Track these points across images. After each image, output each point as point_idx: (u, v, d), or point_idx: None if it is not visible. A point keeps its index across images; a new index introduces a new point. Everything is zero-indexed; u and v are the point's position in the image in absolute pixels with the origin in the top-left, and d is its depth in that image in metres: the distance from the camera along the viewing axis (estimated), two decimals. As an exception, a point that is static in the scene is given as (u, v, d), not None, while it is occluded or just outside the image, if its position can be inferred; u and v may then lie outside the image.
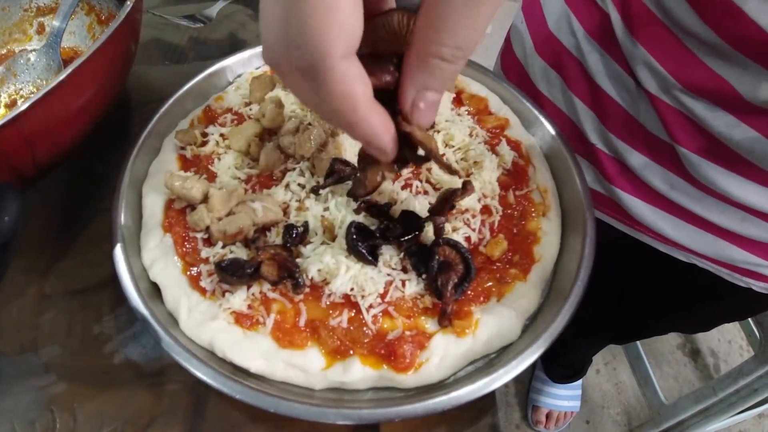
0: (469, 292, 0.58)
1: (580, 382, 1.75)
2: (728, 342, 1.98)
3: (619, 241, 0.89)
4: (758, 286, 0.81)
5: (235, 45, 1.01)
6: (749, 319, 1.46)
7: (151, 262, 0.60)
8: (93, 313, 0.69)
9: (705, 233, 0.75)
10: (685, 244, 0.78)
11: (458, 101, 0.77)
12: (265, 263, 0.54)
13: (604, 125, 0.76)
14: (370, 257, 0.55)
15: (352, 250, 0.55)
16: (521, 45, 0.91)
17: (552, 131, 0.73)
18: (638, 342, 1.79)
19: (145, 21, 1.01)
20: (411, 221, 0.57)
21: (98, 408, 0.62)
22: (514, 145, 0.72)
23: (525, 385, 1.80)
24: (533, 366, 1.81)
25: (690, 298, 0.98)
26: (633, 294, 1.10)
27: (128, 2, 0.69)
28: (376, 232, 0.56)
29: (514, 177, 0.69)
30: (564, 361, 1.67)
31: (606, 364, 1.88)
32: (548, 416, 1.71)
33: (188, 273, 0.58)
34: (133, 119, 0.90)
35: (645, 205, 0.77)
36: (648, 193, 0.76)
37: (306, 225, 0.59)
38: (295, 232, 0.57)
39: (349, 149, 0.65)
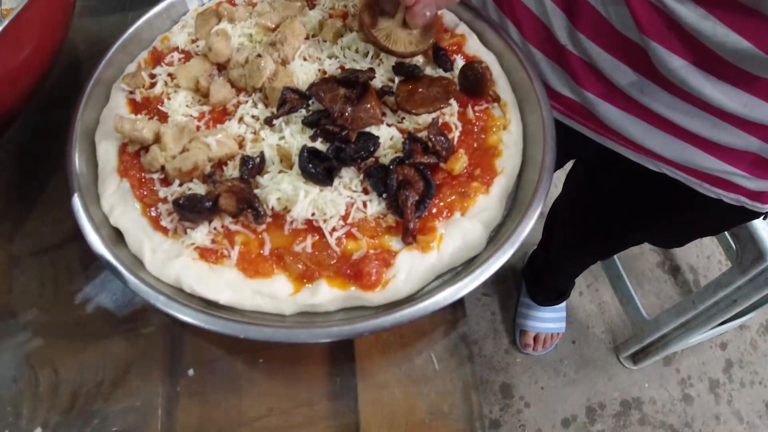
0: (432, 209, 0.58)
1: (564, 304, 1.79)
2: (707, 257, 2.02)
3: (593, 155, 0.89)
4: (729, 197, 0.81)
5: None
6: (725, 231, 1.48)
7: (111, 207, 0.60)
8: (63, 270, 0.69)
9: (675, 139, 0.75)
10: (655, 149, 0.77)
11: (412, 22, 0.75)
12: (222, 196, 0.54)
13: (573, 24, 0.74)
14: (324, 177, 0.54)
15: (304, 172, 0.54)
16: None
17: (511, 44, 0.72)
18: (618, 262, 1.82)
19: (87, -29, 0.97)
20: (364, 141, 0.57)
21: (77, 360, 0.62)
22: (472, 61, 0.71)
23: (511, 313, 1.84)
24: (518, 293, 1.84)
25: (662, 210, 0.99)
26: (608, 206, 1.11)
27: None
28: (329, 154, 0.55)
29: (473, 92, 0.68)
30: (548, 284, 1.70)
31: (588, 285, 1.92)
32: (535, 339, 1.76)
33: (148, 214, 0.58)
34: (83, 72, 0.87)
35: (615, 110, 0.76)
36: (618, 96, 0.75)
37: (262, 155, 0.58)
38: (251, 163, 0.56)
39: (301, 77, 0.64)
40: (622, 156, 0.83)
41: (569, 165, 1.29)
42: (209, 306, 0.54)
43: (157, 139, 0.59)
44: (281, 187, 0.55)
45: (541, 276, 1.70)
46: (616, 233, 1.20)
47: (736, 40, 0.59)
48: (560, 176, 1.40)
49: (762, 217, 1.23)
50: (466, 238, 0.57)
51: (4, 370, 0.62)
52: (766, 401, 1.80)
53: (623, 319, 1.85)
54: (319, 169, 0.55)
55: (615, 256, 1.81)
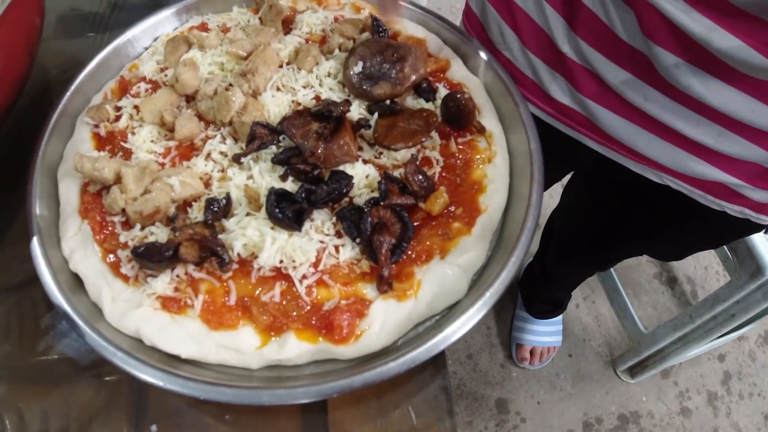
0: (409, 252, 0.55)
1: (560, 317, 1.76)
2: (704, 268, 1.99)
3: (593, 165, 0.86)
4: (733, 209, 0.78)
5: (157, 5, 0.93)
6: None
7: (71, 251, 0.57)
8: (29, 309, 0.66)
9: (678, 149, 0.72)
10: (658, 160, 0.75)
11: (394, 46, 0.72)
12: (183, 245, 0.50)
13: (573, 30, 0.71)
14: (292, 222, 0.51)
15: (271, 217, 0.51)
16: None
17: (498, 70, 0.68)
18: (615, 274, 1.79)
19: (60, -8, 0.94)
20: (336, 182, 0.53)
21: (42, 406, 0.60)
22: (456, 88, 0.67)
23: (507, 326, 1.81)
24: (514, 305, 1.81)
25: (663, 222, 0.96)
26: (606, 218, 1.08)
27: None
28: (299, 197, 0.52)
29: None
30: (544, 297, 1.67)
31: (585, 298, 1.89)
32: (532, 353, 1.73)
33: (108, 260, 0.55)
34: (54, 98, 0.84)
35: (618, 119, 0.74)
36: (621, 105, 0.72)
37: (228, 197, 0.54)
38: (216, 205, 0.53)
39: (273, 109, 0.60)
40: (623, 166, 0.81)
41: (567, 176, 1.26)
42: (171, 359, 0.51)
43: (119, 178, 0.56)
44: (247, 233, 0.51)
45: (537, 288, 1.67)
46: (614, 245, 1.18)
47: (745, 49, 0.57)
48: (558, 187, 1.37)
49: (764, 231, 1.21)
50: (444, 285, 0.53)
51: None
52: (765, 413, 1.77)
53: (620, 331, 1.82)
54: (287, 213, 0.51)
55: (612, 268, 1.77)
